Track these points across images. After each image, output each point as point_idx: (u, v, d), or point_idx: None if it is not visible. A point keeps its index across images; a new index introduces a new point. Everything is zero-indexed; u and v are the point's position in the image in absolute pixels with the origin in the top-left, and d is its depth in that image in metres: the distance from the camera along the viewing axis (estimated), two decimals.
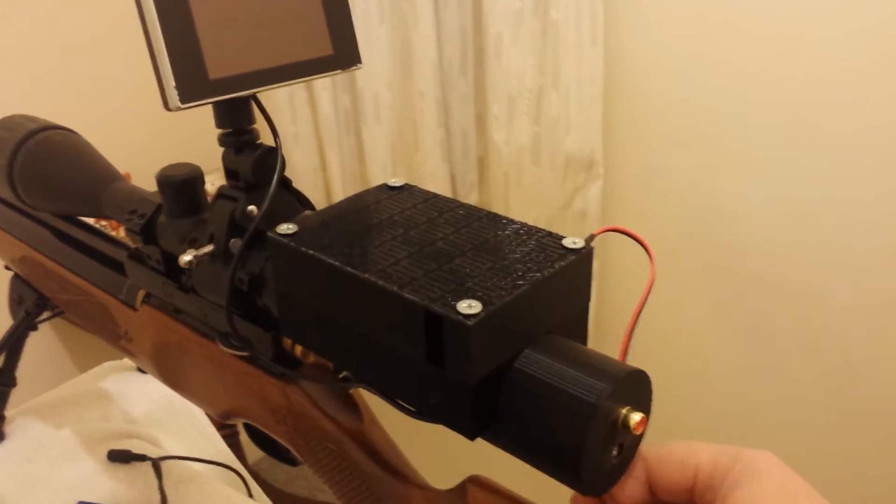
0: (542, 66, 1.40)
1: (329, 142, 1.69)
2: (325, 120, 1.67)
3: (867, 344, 1.35)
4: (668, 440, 0.35)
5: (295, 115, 1.71)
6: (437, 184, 1.60)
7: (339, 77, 1.63)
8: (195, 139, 1.70)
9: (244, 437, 1.65)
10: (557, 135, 1.43)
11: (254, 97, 0.44)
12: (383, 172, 1.67)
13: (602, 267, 1.53)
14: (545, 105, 1.43)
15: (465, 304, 0.32)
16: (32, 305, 0.74)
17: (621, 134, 1.46)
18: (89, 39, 1.71)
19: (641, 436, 0.34)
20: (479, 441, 0.35)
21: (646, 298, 0.37)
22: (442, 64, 1.51)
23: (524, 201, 1.49)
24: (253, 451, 2.15)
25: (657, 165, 1.47)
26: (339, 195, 1.73)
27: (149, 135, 1.72)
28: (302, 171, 1.73)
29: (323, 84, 1.63)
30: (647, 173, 1.48)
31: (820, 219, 1.32)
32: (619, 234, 0.40)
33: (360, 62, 0.46)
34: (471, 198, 1.66)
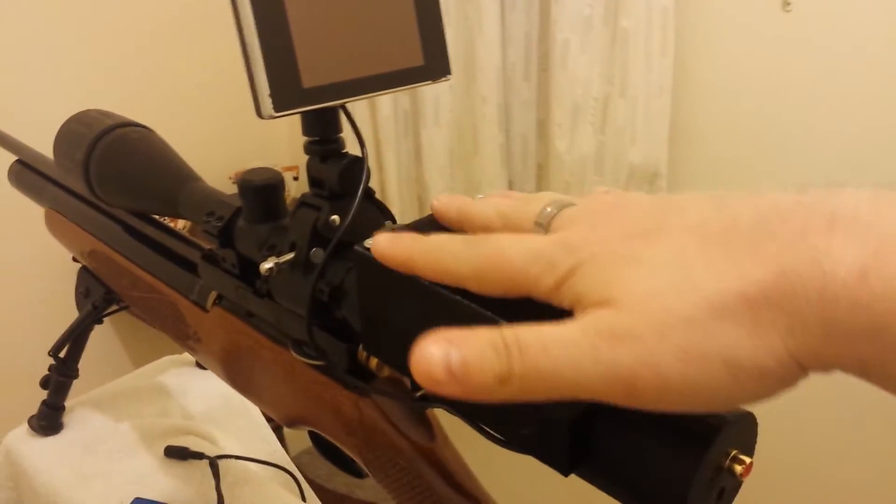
0: (610, 75, 1.38)
1: (387, 143, 1.69)
2: (383, 120, 1.67)
3: None
4: None
5: (353, 115, 1.70)
6: (494, 189, 1.58)
7: None
8: (257, 139, 1.72)
9: (288, 431, 1.66)
10: (622, 145, 1.41)
11: (343, 107, 0.43)
12: (440, 176, 1.67)
13: None
14: (611, 114, 1.40)
15: None
16: (100, 299, 0.75)
17: (686, 147, 1.44)
18: (169, 38, 1.74)
19: (741, 482, 0.32)
20: (556, 474, 0.34)
21: None
22: (505, 69, 1.50)
23: None
24: (295, 444, 2.16)
25: (721, 179, 1.44)
26: (394, 196, 1.72)
27: (215, 135, 1.74)
28: None
29: None
30: (712, 187, 1.45)
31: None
32: None
33: (449, 73, 0.45)
34: None
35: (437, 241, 0.32)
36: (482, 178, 1.60)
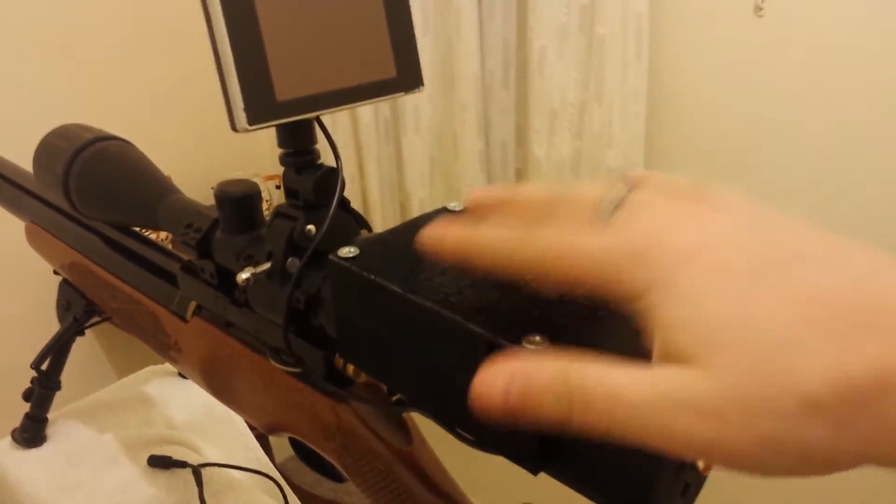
0: (586, 81, 1.40)
1: (368, 150, 1.70)
2: (364, 128, 1.68)
3: None
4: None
5: (335, 124, 1.72)
6: None
7: None
8: (237, 149, 1.72)
9: (274, 438, 1.65)
10: (599, 150, 1.42)
11: (317, 119, 0.44)
12: (421, 183, 1.68)
13: None
14: (587, 120, 1.42)
15: (531, 339, 0.31)
16: (81, 311, 0.75)
17: (663, 151, 1.45)
18: (146, 52, 1.74)
19: (706, 477, 0.34)
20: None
21: None
22: (484, 77, 1.51)
23: None
24: (281, 451, 2.16)
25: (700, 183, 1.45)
26: (375, 204, 1.73)
27: (192, 146, 1.74)
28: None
29: None
30: None
31: (870, 231, 1.30)
32: None
33: (422, 84, 0.46)
34: None
35: (495, 230, 0.31)
36: (462, 184, 1.61)
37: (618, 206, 0.28)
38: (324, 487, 2.40)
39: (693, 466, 0.32)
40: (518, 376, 0.26)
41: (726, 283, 0.23)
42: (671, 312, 0.24)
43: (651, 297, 0.25)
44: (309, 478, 2.43)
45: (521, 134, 1.56)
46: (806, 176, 1.32)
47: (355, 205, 1.80)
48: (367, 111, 1.65)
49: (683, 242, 0.25)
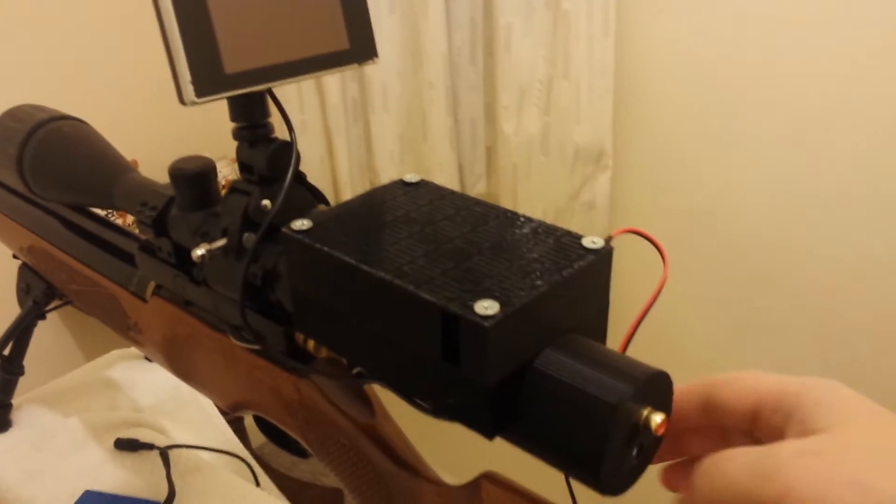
0: (553, 57, 1.40)
1: (337, 130, 1.69)
2: (332, 108, 1.66)
3: (875, 341, 1.35)
4: None
5: (303, 104, 1.70)
6: (444, 174, 1.59)
7: None
8: (203, 129, 1.70)
9: (249, 422, 1.65)
10: (567, 126, 1.42)
11: (269, 91, 0.43)
12: (391, 161, 1.67)
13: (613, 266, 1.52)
14: (555, 96, 1.42)
15: (482, 305, 0.31)
16: (41, 295, 0.74)
17: (631, 126, 1.46)
18: (99, 29, 1.71)
19: (662, 437, 0.34)
20: (494, 442, 0.35)
21: (655, 298, 0.36)
22: (451, 54, 1.50)
23: (532, 192, 1.48)
24: (257, 437, 2.15)
25: (666, 157, 1.46)
26: (346, 184, 1.72)
27: (156, 125, 1.72)
28: (309, 160, 1.73)
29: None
30: (656, 165, 1.48)
31: (830, 213, 1.32)
32: (631, 234, 0.40)
33: (376, 56, 0.46)
34: (478, 188, 1.65)
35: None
36: (432, 163, 1.61)
37: None
38: (301, 470, 2.40)
39: (646, 427, 0.32)
40: None
41: None
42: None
43: None
44: (286, 461, 2.43)
45: (490, 111, 1.56)
46: (776, 150, 1.33)
47: (325, 186, 1.80)
48: (334, 91, 1.64)
49: None
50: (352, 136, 1.71)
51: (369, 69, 1.57)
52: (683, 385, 0.35)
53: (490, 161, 1.62)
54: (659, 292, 0.37)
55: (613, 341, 0.37)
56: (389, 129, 1.63)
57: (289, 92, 1.67)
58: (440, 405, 0.36)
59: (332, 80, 1.62)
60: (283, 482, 0.91)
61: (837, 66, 1.22)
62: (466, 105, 1.57)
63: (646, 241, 0.40)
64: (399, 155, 1.67)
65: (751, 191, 1.39)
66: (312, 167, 1.73)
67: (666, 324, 1.54)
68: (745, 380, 0.33)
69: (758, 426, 0.33)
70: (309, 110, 1.71)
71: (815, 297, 1.38)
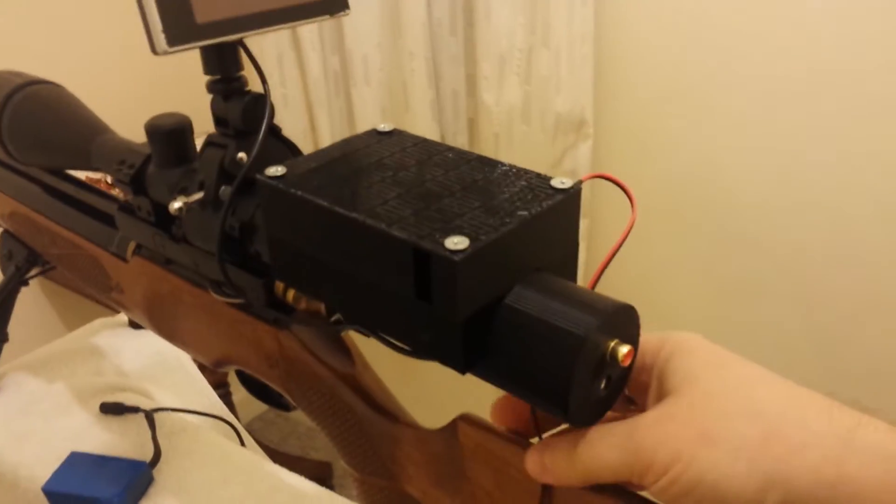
0: (533, 26, 1.40)
1: (318, 104, 1.68)
2: (313, 81, 1.66)
3: (857, 301, 1.37)
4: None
5: (284, 77, 1.70)
6: None
7: (328, 37, 1.61)
8: (182, 97, 1.69)
9: (237, 398, 1.66)
10: (548, 95, 1.43)
11: (241, 42, 0.44)
12: None
13: (592, 225, 1.53)
14: (535, 65, 1.42)
15: (452, 241, 0.32)
16: (23, 261, 0.75)
17: (611, 94, 1.46)
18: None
19: (630, 368, 0.35)
20: (470, 387, 0.36)
21: (625, 237, 0.37)
22: (431, 24, 1.50)
23: (514, 161, 1.47)
24: (246, 412, 2.17)
25: (646, 124, 1.47)
26: None
27: (133, 90, 1.70)
28: (291, 134, 1.69)
29: (311, 45, 1.61)
30: (637, 132, 1.49)
31: (810, 175, 1.33)
32: (609, 195, 0.41)
33: (348, 8, 0.46)
34: None
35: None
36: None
37: None
38: (290, 444, 2.41)
39: (613, 358, 0.33)
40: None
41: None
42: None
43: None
44: (275, 436, 2.44)
45: (471, 82, 1.56)
46: (757, 116, 1.34)
47: None
48: (315, 64, 1.63)
49: None
50: (334, 109, 1.71)
51: (349, 41, 1.56)
52: None
53: (472, 132, 1.63)
54: (628, 232, 0.38)
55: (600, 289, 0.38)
56: (371, 102, 1.63)
57: (269, 65, 1.67)
58: (415, 343, 0.37)
59: (313, 53, 1.62)
60: (273, 456, 0.92)
61: (819, 26, 1.23)
62: (448, 76, 1.57)
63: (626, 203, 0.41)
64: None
65: (732, 156, 1.40)
66: (294, 141, 1.72)
67: (649, 288, 1.56)
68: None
69: (630, 386, 0.37)
70: (290, 84, 1.70)
71: (796, 260, 1.40)
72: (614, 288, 0.37)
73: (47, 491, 0.71)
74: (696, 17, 1.34)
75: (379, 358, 0.52)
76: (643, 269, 1.53)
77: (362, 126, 1.67)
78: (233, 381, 1.78)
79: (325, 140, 1.72)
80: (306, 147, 1.74)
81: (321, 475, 2.13)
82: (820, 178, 1.32)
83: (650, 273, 1.54)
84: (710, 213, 1.47)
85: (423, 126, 1.59)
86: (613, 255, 0.38)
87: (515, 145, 1.50)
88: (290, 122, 1.72)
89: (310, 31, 1.60)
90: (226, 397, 1.77)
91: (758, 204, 1.41)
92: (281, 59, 1.67)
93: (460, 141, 1.63)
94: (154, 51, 0.39)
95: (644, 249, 1.53)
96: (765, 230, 1.42)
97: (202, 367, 0.93)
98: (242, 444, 0.82)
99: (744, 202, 1.42)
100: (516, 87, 1.45)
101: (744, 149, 1.38)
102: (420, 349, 0.37)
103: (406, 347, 0.38)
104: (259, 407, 2.44)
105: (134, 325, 0.93)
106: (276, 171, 0.39)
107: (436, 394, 1.21)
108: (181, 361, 0.90)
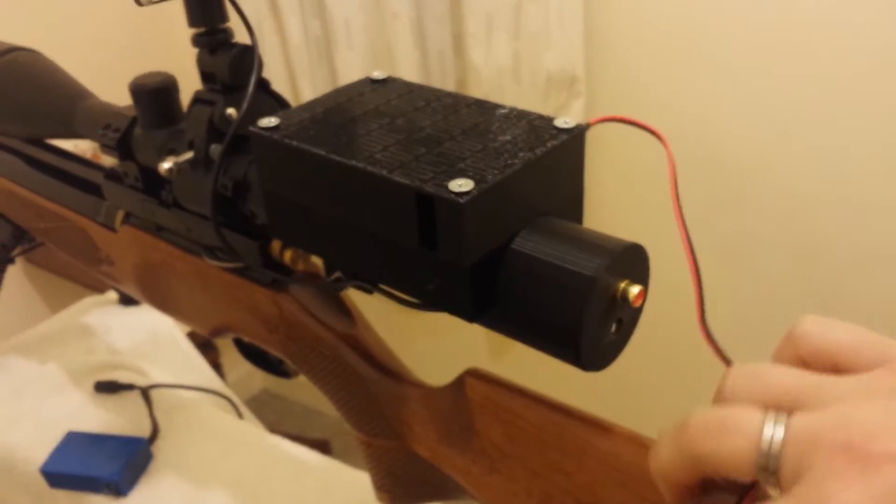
0: None
1: (301, 71, 1.65)
2: (294, 48, 1.62)
3: (853, 252, 1.36)
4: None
5: (263, 45, 1.66)
6: None
7: (308, 1, 1.58)
8: (164, 57, 1.65)
9: (231, 378, 1.64)
10: (537, 52, 1.40)
11: None
12: None
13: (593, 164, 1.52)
14: (524, 20, 1.39)
15: (456, 184, 0.31)
16: (9, 237, 0.73)
17: (603, 51, 1.44)
18: None
19: (640, 309, 0.34)
20: (474, 343, 0.35)
21: (675, 183, 0.36)
22: None
23: None
24: (241, 392, 2.15)
25: (640, 81, 1.45)
26: None
27: (113, 52, 1.66)
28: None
29: (291, 9, 1.58)
30: (629, 89, 1.46)
31: (804, 129, 1.32)
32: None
33: None
34: None
35: None
36: None
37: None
38: (287, 424, 2.41)
39: (624, 299, 0.32)
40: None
41: None
42: None
43: None
44: (271, 416, 2.44)
45: (458, 42, 1.53)
46: (750, 71, 1.33)
47: None
48: (296, 30, 1.60)
49: None
50: (317, 76, 1.67)
51: (330, 3, 1.53)
52: None
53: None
54: (675, 175, 0.37)
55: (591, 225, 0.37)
56: (355, 67, 1.60)
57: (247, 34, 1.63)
58: (421, 294, 0.36)
59: (293, 18, 1.58)
60: None
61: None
62: (434, 36, 1.53)
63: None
64: None
65: (726, 111, 1.38)
66: None
67: (647, 248, 1.55)
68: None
69: None
70: (270, 52, 1.67)
71: (794, 214, 1.39)
72: (608, 212, 0.36)
73: (46, 472, 0.70)
74: None
75: (379, 319, 0.51)
76: (635, 225, 1.52)
77: None
78: (225, 362, 1.77)
79: None
80: None
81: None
82: (815, 130, 1.31)
83: (643, 229, 1.53)
84: (706, 168, 1.45)
85: None
86: (681, 213, 0.36)
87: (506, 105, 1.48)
88: None
89: None
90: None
91: (753, 158, 1.39)
92: (259, 25, 1.63)
93: None
94: (138, 1, 0.37)
95: (637, 207, 1.52)
96: (759, 185, 1.41)
97: (195, 342, 0.92)
98: (240, 416, 0.81)
99: (738, 156, 1.41)
100: (505, 44, 1.42)
101: (738, 103, 1.37)
102: (426, 299, 0.35)
103: (410, 299, 0.37)
104: (253, 388, 2.43)
105: (124, 302, 0.91)
106: (269, 122, 0.38)
107: (438, 353, 1.20)
108: (174, 337, 0.89)
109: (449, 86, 1.58)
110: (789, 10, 1.25)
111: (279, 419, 2.42)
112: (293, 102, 1.38)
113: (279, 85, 1.69)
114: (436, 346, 1.29)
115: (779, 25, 1.27)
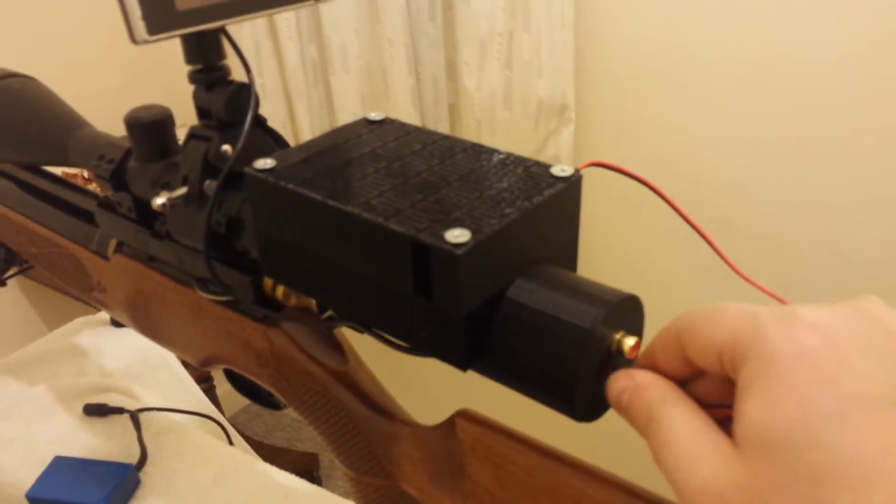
0: (513, 9, 1.38)
1: (297, 94, 1.66)
2: (292, 71, 1.63)
3: (833, 278, 1.37)
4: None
5: (261, 68, 1.67)
6: None
7: (305, 25, 1.59)
8: (161, 89, 1.66)
9: (221, 391, 1.64)
10: (529, 79, 1.41)
11: (223, 30, 0.42)
12: None
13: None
14: (516, 49, 1.41)
15: (453, 234, 0.31)
16: (1, 260, 0.72)
17: (592, 78, 1.45)
18: None
19: (634, 360, 0.34)
20: (466, 384, 0.35)
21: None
22: (410, 9, 1.48)
23: (497, 147, 1.47)
24: (231, 405, 2.15)
25: (627, 109, 1.46)
26: None
27: (110, 82, 1.67)
28: (270, 125, 1.70)
29: (289, 34, 1.59)
30: (618, 117, 1.48)
31: (788, 157, 1.33)
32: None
33: None
34: None
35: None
36: None
37: None
38: (276, 437, 2.40)
39: (619, 351, 0.32)
40: (628, 390, 0.31)
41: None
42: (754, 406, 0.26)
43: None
44: (260, 429, 2.43)
45: (451, 67, 1.54)
46: (737, 99, 1.34)
47: None
48: (293, 53, 1.61)
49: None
50: (313, 99, 1.69)
51: (327, 28, 1.54)
52: (656, 342, 0.32)
53: (453, 118, 1.61)
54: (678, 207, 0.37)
55: (584, 273, 0.37)
56: (350, 90, 1.61)
57: (247, 55, 1.64)
58: (413, 340, 0.35)
59: (290, 42, 1.59)
60: (259, 449, 0.91)
61: (797, 9, 1.23)
62: (428, 62, 1.55)
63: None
64: (362, 116, 1.64)
65: (712, 139, 1.40)
66: None
67: (630, 270, 1.55)
68: (702, 333, 0.30)
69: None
70: (268, 74, 1.68)
71: (774, 243, 1.40)
72: (595, 271, 0.36)
73: (31, 497, 0.69)
74: (676, 2, 1.33)
75: (371, 355, 0.50)
76: (623, 253, 1.53)
77: (342, 115, 1.65)
78: (217, 374, 1.77)
79: (305, 130, 1.70)
80: (286, 137, 1.72)
81: (308, 466, 2.12)
82: (798, 161, 1.32)
83: (630, 256, 1.54)
84: (692, 195, 1.46)
85: (404, 113, 1.57)
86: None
87: (498, 131, 1.49)
88: (269, 113, 1.69)
89: (286, 19, 1.58)
90: (210, 391, 1.76)
91: (736, 186, 1.40)
92: (258, 48, 1.65)
93: (441, 128, 1.62)
94: (133, 40, 0.37)
95: (624, 233, 1.52)
96: (743, 213, 1.42)
97: (185, 362, 0.91)
98: (230, 442, 0.80)
99: (722, 185, 1.42)
100: (497, 72, 1.44)
101: (724, 132, 1.38)
102: (418, 345, 0.35)
103: (403, 344, 0.37)
104: (243, 399, 2.42)
105: (116, 323, 0.91)
106: (264, 163, 0.38)
107: (431, 391, 1.20)
108: (165, 359, 0.88)
109: (442, 110, 1.59)
110: (771, 42, 1.27)
111: (268, 431, 2.41)
112: (289, 122, 1.39)
113: (276, 106, 1.70)
114: (430, 381, 1.28)
115: (761, 56, 1.29)
